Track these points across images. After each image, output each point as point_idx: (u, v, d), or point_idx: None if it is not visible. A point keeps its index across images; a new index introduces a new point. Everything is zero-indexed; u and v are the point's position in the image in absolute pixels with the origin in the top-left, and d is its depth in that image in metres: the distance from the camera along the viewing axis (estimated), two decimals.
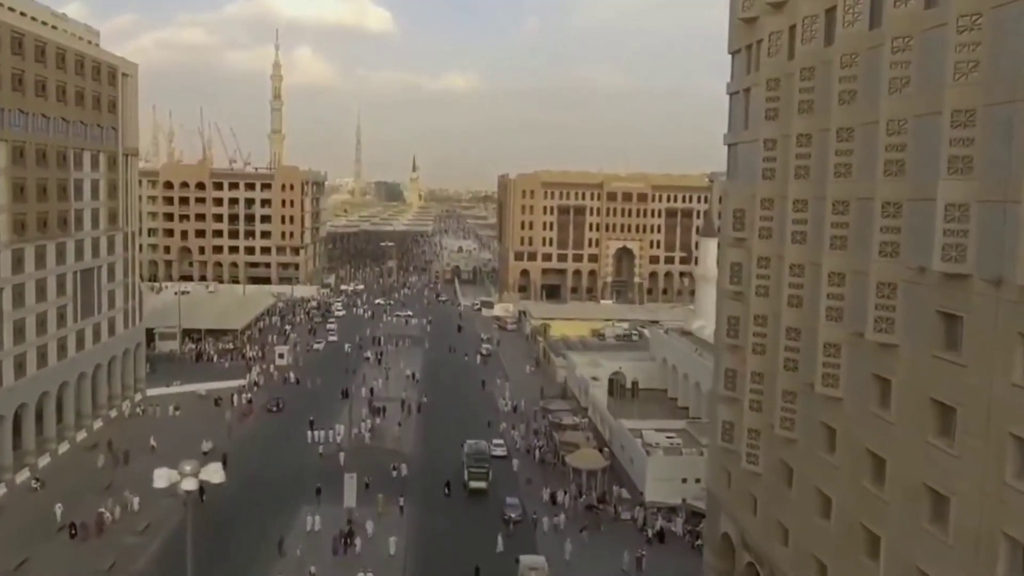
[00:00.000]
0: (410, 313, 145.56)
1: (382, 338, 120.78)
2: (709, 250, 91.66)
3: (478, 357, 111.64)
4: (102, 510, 52.64)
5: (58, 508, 52.98)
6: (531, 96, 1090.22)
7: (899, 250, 26.42)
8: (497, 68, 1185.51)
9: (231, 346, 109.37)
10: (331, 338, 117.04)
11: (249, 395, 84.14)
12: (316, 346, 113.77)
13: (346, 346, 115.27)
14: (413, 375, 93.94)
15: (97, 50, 74.31)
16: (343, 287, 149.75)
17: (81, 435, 71.47)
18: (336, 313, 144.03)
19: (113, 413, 78.07)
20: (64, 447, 68.41)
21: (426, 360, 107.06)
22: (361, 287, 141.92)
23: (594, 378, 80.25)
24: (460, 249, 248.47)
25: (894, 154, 26.22)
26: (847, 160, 29.54)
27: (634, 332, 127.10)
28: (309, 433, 73.63)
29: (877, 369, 27.60)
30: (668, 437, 61.61)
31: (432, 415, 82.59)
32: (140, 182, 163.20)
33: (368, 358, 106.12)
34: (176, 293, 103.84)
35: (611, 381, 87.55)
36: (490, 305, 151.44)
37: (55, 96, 64.99)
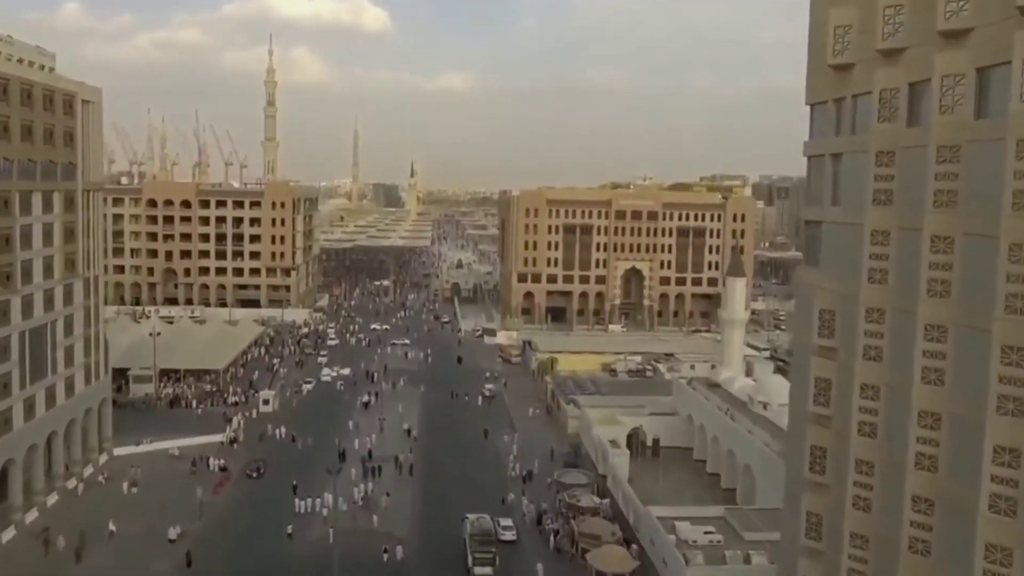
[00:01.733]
0: (407, 342, 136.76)
1: (376, 374, 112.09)
2: (736, 291, 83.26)
3: (480, 398, 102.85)
4: None
5: None
6: (529, 96, 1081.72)
7: None
8: (495, 68, 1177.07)
9: (211, 388, 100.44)
10: (323, 376, 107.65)
11: (221, 461, 74.62)
12: (306, 386, 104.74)
13: (339, 384, 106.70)
14: (409, 431, 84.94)
15: (50, 76, 65.30)
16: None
17: (32, 516, 62.40)
18: (329, 342, 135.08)
19: (72, 483, 69.10)
20: (9, 534, 59.37)
21: (424, 405, 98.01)
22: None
23: (613, 443, 71.39)
24: (459, 264, 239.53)
25: None
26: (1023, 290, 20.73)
27: (648, 367, 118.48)
28: (296, 501, 65.30)
29: None
30: (706, 532, 52.81)
31: (430, 478, 73.82)
32: (122, 200, 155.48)
33: (361, 403, 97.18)
34: (151, 334, 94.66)
35: (630, 437, 78.97)
36: (492, 333, 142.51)
37: None
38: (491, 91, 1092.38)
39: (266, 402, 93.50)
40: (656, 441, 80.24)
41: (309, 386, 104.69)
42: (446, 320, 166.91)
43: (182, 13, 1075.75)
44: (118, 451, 77.38)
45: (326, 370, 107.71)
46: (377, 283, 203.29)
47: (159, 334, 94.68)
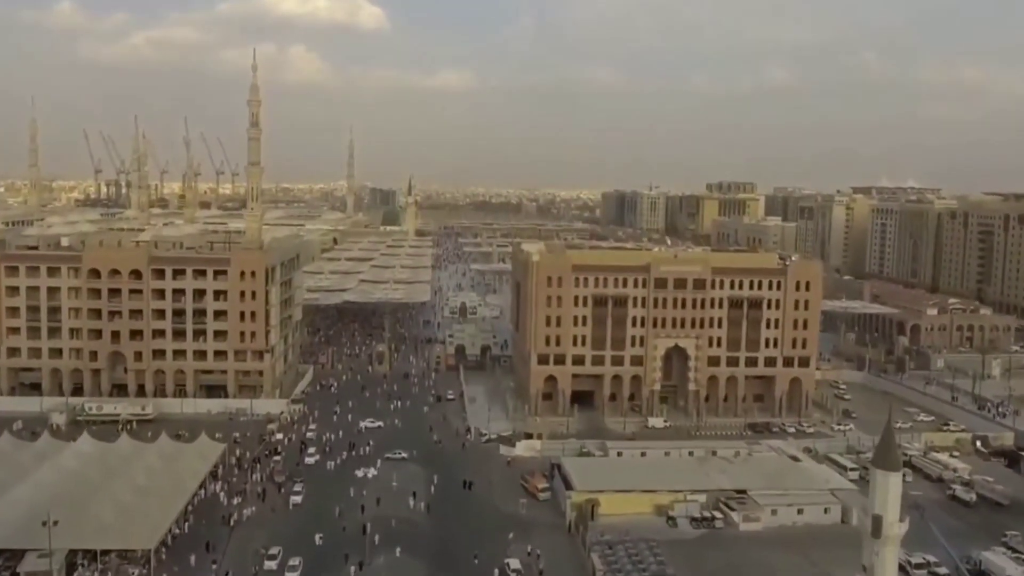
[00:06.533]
0: (404, 456, 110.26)
1: (367, 526, 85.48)
2: (889, 493, 56.50)
3: (497, 573, 76.97)
4: None
5: None
6: (527, 95, 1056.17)
7: None
8: (492, 67, 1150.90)
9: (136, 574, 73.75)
10: (291, 561, 79.27)
11: None
12: (269, 563, 78.01)
13: (318, 539, 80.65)
14: None
15: None
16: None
17: None
18: (308, 459, 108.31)
19: None
20: None
21: None
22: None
23: None
24: (463, 310, 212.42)
25: None
26: None
27: (717, 515, 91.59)
28: None
29: None
30: None
31: None
32: (58, 270, 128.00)
33: None
34: (44, 523, 67.34)
35: None
36: (510, 442, 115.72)
37: None
38: (488, 90, 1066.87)
39: None
40: None
41: (273, 563, 77.87)
42: (451, 397, 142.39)
43: (176, 12, 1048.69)
44: None
45: (293, 561, 79.01)
46: (370, 346, 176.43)
47: (56, 523, 67.55)
